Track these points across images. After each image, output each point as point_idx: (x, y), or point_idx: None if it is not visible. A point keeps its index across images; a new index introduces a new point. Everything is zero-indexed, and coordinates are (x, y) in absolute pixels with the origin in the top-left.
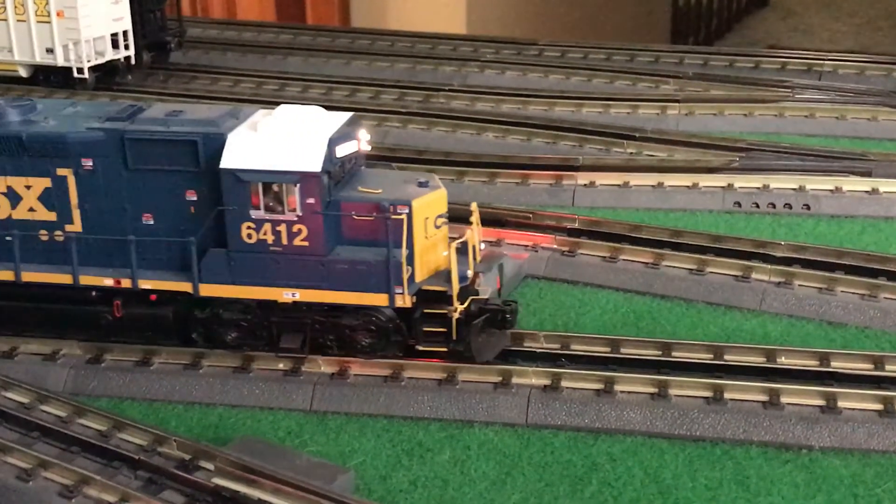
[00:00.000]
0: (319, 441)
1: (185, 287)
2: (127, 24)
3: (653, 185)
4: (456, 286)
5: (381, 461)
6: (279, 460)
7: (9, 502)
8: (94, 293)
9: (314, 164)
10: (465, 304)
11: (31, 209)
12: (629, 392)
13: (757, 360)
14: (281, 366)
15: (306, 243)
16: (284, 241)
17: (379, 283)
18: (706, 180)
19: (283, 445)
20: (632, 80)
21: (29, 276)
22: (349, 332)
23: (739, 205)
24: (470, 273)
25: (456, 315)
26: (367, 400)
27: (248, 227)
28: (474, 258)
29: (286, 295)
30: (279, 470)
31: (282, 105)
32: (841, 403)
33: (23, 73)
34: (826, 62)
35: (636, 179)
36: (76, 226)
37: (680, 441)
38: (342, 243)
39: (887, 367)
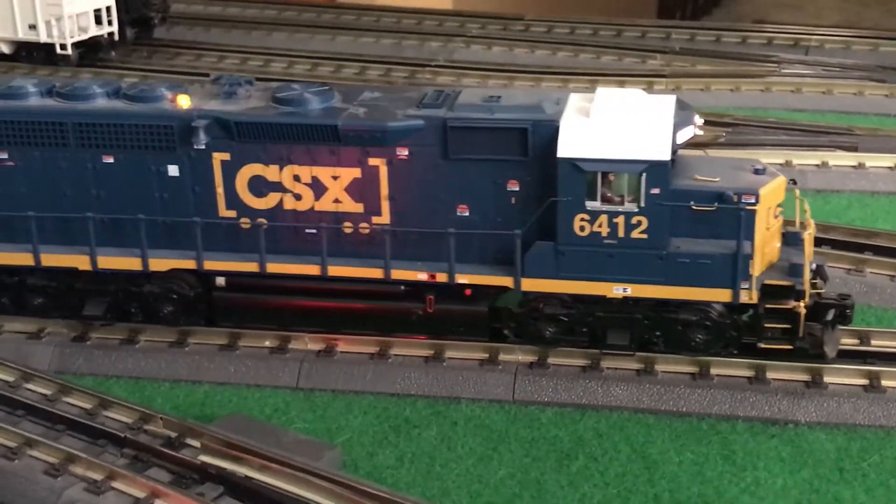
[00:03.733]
0: (306, 418)
1: (506, 282)
2: (110, 0)
3: None
4: (807, 280)
5: (368, 438)
6: (266, 437)
7: None
8: (402, 288)
9: (663, 153)
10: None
11: (336, 200)
12: (615, 368)
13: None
14: (267, 343)
15: (645, 236)
16: (621, 233)
17: (723, 277)
18: None
19: (269, 423)
20: (618, 56)
21: (336, 271)
22: (681, 328)
23: None
24: (814, 266)
25: (804, 311)
26: (354, 377)
27: (582, 219)
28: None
29: (616, 290)
30: (266, 447)
31: (600, 88)
32: (826, 378)
33: (5, 49)
34: (813, 37)
35: None
36: (384, 217)
37: (666, 416)
38: (673, 235)
39: (873, 342)
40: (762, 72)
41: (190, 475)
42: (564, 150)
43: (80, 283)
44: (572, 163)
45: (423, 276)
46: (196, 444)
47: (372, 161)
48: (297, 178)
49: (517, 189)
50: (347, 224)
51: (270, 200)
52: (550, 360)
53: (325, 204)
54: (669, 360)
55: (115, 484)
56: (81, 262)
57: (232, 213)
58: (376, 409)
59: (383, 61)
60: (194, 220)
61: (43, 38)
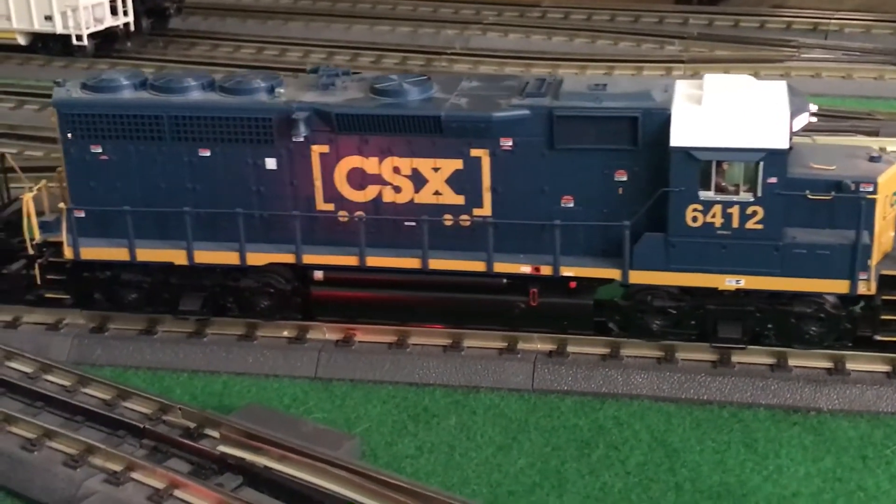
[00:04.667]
0: (325, 408)
1: (613, 274)
2: None
3: None
4: None
5: (387, 427)
6: (285, 428)
7: (14, 472)
8: (504, 281)
9: (781, 140)
10: None
11: (436, 192)
12: (635, 356)
13: None
14: (285, 333)
15: (760, 226)
16: (735, 224)
17: (841, 268)
18: None
19: (288, 413)
20: (636, 42)
21: (436, 264)
22: (795, 321)
23: None
24: None
25: None
26: (373, 366)
27: (695, 210)
28: None
29: (729, 282)
30: (285, 437)
31: (707, 74)
32: (849, 366)
33: (21, 40)
34: (832, 21)
35: None
36: (485, 209)
37: (687, 404)
38: (787, 225)
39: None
40: (781, 57)
41: (209, 466)
42: (678, 138)
43: (174, 278)
44: (686, 152)
45: (526, 269)
46: (215, 434)
47: (474, 152)
48: (396, 170)
49: (625, 179)
50: (447, 216)
51: (369, 193)
52: (570, 349)
53: (424, 196)
54: (690, 348)
55: (135, 475)
56: (178, 256)
57: (330, 207)
58: (395, 399)
59: (399, 49)
60: (293, 214)
61: (59, 29)
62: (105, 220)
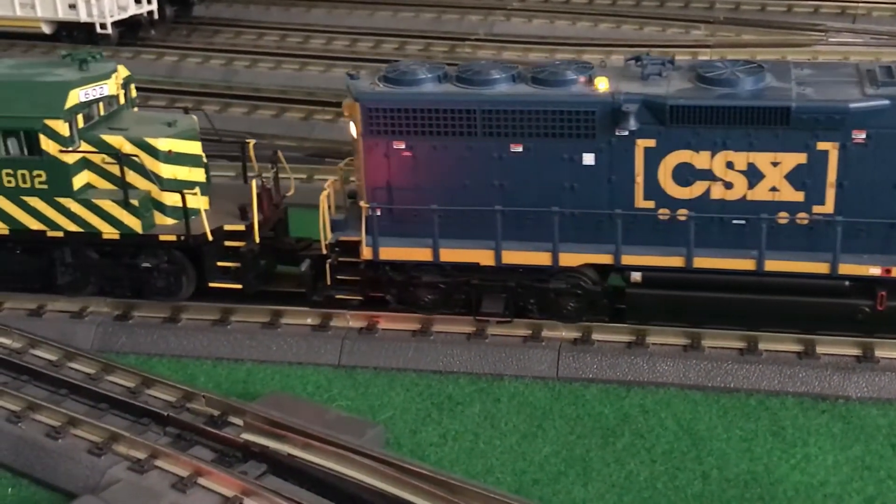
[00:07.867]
0: (348, 396)
1: None
2: None
3: None
4: None
5: (411, 415)
6: (308, 415)
7: (39, 459)
8: (846, 283)
9: None
10: None
11: (772, 189)
12: (661, 344)
13: None
14: (309, 321)
15: None
16: None
17: None
18: None
19: (312, 401)
20: (662, 27)
21: (774, 266)
22: None
23: None
24: None
25: None
26: (396, 354)
27: None
28: None
29: None
30: (308, 425)
31: None
32: (878, 353)
33: (45, 29)
34: (860, 5)
35: None
36: (827, 206)
37: (714, 392)
38: None
39: None
40: (809, 41)
41: (233, 453)
42: None
43: (475, 279)
44: None
45: (875, 271)
46: (239, 422)
47: (821, 145)
48: (729, 165)
49: None
50: (783, 214)
51: (696, 189)
52: (595, 337)
53: (759, 193)
54: (716, 336)
55: (159, 462)
56: (484, 256)
57: (650, 204)
58: (419, 387)
59: (423, 36)
60: (615, 212)
61: (83, 18)
62: (402, 218)
